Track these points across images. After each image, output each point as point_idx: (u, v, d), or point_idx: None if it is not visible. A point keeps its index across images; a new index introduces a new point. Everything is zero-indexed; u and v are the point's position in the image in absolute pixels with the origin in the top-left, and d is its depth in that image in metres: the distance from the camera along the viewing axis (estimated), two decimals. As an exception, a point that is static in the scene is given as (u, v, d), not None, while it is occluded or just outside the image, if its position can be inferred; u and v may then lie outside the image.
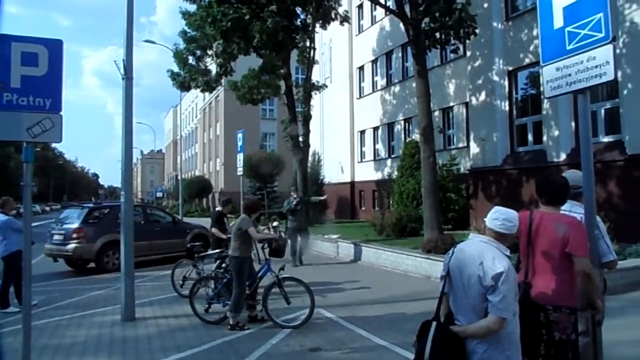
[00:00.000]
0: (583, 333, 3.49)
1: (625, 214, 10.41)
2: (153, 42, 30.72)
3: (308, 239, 12.24)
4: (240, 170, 13.53)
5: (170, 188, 66.11)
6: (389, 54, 21.83)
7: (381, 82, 22.44)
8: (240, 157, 13.59)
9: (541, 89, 12.81)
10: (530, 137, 13.70)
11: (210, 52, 19.97)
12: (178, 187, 35.74)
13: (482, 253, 2.79)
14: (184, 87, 21.60)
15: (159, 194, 61.83)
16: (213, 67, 20.78)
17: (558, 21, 3.72)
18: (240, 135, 13.68)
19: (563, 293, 3.26)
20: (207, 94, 31.98)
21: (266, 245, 6.90)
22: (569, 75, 3.61)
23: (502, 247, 2.83)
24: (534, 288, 3.34)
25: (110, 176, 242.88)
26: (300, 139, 19.19)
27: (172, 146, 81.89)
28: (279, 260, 7.27)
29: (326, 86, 22.55)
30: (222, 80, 21.20)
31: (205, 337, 6.04)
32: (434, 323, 2.88)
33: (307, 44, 20.05)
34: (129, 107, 7.16)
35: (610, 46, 3.32)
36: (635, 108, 10.52)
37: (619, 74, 10.82)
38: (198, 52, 20.62)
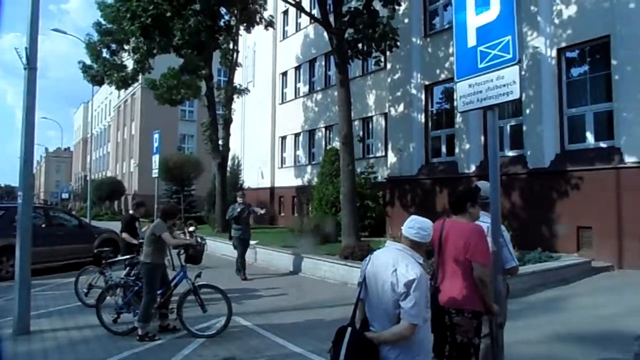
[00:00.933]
0: (487, 335, 3.71)
1: (526, 223, 11.25)
2: (63, 32, 28.71)
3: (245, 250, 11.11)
4: (155, 173, 12.97)
5: (78, 189, 62.06)
6: (312, 62, 22.07)
7: (304, 89, 22.62)
8: (155, 158, 13.03)
9: (455, 103, 13.66)
10: (443, 149, 14.42)
11: (127, 47, 19.03)
12: (87, 188, 33.57)
13: (396, 260, 2.86)
14: (97, 81, 20.42)
15: (65, 195, 57.79)
16: (130, 63, 19.80)
17: (471, 40, 3.93)
18: (156, 136, 13.13)
19: (466, 297, 3.43)
20: (122, 91, 30.39)
21: (182, 252, 6.63)
22: (480, 92, 3.81)
23: (416, 254, 2.91)
24: (441, 292, 3.50)
25: (8, 174, 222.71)
26: (220, 142, 18.82)
27: (81, 144, 76.89)
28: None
29: (248, 90, 22.34)
30: (139, 78, 20.27)
31: (112, 350, 5.66)
32: (349, 329, 2.90)
33: (231, 46, 19.75)
34: (31, 99, 6.59)
35: (517, 67, 3.56)
36: (535, 127, 11.43)
37: (523, 95, 11.70)
38: (113, 46, 19.59)
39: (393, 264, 2.84)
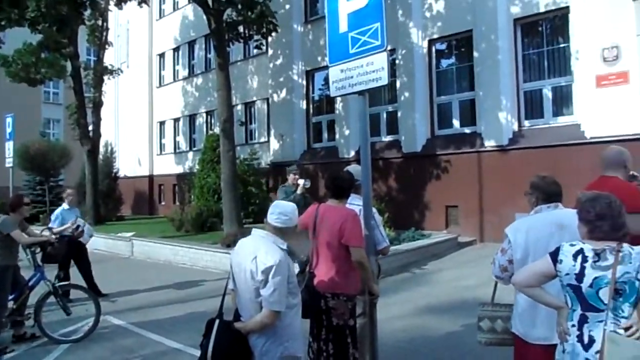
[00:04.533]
0: (361, 314, 3.81)
1: (401, 205, 11.94)
2: None
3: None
4: (9, 162, 11.49)
5: None
6: (191, 44, 21.10)
7: (183, 72, 21.59)
8: (9, 145, 11.55)
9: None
10: (325, 135, 14.72)
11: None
12: None
13: (257, 247, 2.80)
14: None
15: None
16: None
17: (343, 26, 3.95)
18: (9, 120, 11.62)
19: (340, 281, 3.49)
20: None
21: (39, 250, 5.92)
22: (352, 77, 3.85)
23: (279, 240, 2.85)
24: (316, 277, 3.51)
25: None
26: (91, 127, 17.29)
27: None
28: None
29: (121, 71, 20.73)
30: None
31: (-49, 367, 4.92)
32: (217, 320, 2.86)
33: (100, 22, 18.11)
34: None
35: (385, 53, 3.64)
36: (409, 113, 12.11)
37: (398, 82, 12.33)
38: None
39: (253, 252, 2.79)
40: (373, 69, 3.68)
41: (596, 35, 9.26)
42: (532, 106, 10.70)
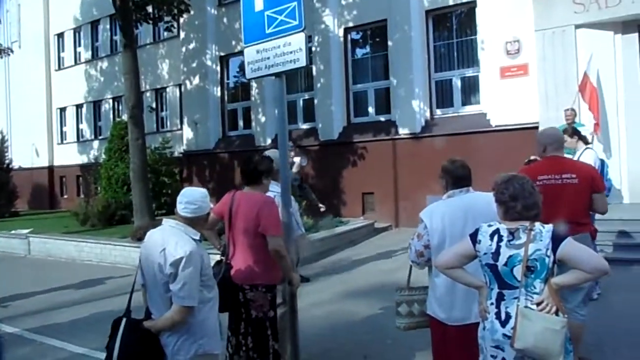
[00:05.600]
0: (281, 304, 3.69)
1: (319, 192, 11.88)
2: None
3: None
4: None
5: None
6: (94, 24, 19.58)
7: (86, 54, 20.01)
8: None
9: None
10: (240, 122, 14.36)
11: None
12: None
13: (166, 239, 2.59)
14: None
15: None
16: None
17: (259, 4, 3.76)
18: None
19: (258, 272, 3.33)
20: None
21: None
22: (268, 58, 3.68)
23: (190, 231, 2.65)
24: (233, 268, 3.33)
25: None
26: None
27: None
28: None
29: (11, 51, 18.73)
30: None
31: None
32: (124, 319, 2.62)
33: (-16, -4, 16.22)
34: None
35: (303, 34, 3.50)
36: (325, 101, 12.11)
37: (314, 69, 12.28)
38: None
39: (162, 243, 2.58)
40: (290, 49, 3.54)
41: (500, 29, 9.78)
42: (442, 95, 11.13)
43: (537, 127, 9.21)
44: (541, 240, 2.24)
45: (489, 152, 9.23)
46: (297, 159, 6.92)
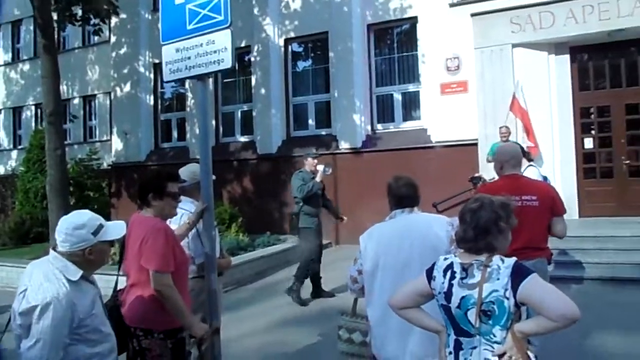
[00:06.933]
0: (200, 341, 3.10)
1: (256, 208, 11.42)
2: None
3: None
4: None
5: None
6: (16, 24, 18.18)
7: (5, 56, 18.51)
8: None
9: (186, 85, 12.94)
10: (175, 134, 13.60)
11: None
12: None
13: (34, 277, 2.03)
14: None
15: None
16: None
17: (180, -5, 3.28)
18: None
19: (153, 314, 2.67)
20: None
21: None
22: (189, 58, 3.20)
23: (70, 269, 2.07)
24: (125, 308, 2.73)
25: None
26: None
27: None
28: None
29: None
30: None
31: None
32: None
33: None
34: None
35: (229, 31, 3.05)
36: (264, 113, 11.65)
37: (253, 80, 11.81)
38: None
39: (27, 282, 2.04)
40: (214, 48, 3.07)
41: (441, 45, 9.78)
42: (383, 110, 10.99)
43: (476, 144, 9.26)
44: (498, 279, 1.85)
45: (429, 168, 9.12)
46: (320, 167, 6.54)
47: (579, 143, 9.05)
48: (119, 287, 2.95)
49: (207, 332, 2.77)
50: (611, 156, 8.95)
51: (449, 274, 1.95)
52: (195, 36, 3.15)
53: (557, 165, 8.92)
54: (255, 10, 11.68)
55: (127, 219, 2.81)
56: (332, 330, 3.02)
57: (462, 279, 1.91)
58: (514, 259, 1.91)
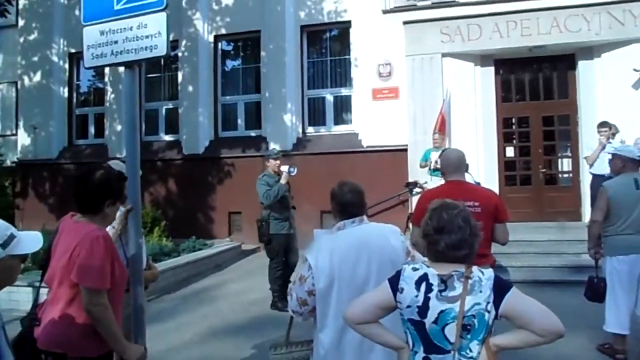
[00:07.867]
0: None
1: (181, 211, 10.85)
2: None
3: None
4: None
5: None
6: None
7: None
8: None
9: (106, 78, 12.08)
10: (92, 130, 12.63)
11: None
12: None
13: None
14: None
15: None
16: None
17: (106, -30, 2.90)
18: None
19: (70, 336, 2.28)
20: None
21: None
22: (116, 42, 2.83)
23: None
24: (40, 326, 2.32)
25: None
26: None
27: None
28: None
29: None
30: None
31: None
32: None
33: None
34: None
35: (164, 14, 2.74)
36: (191, 112, 11.11)
37: (180, 77, 11.25)
38: None
39: None
40: (147, 33, 2.74)
41: (373, 51, 9.84)
42: (315, 113, 10.88)
43: (406, 150, 9.40)
44: (480, 292, 1.75)
45: (360, 173, 9.07)
46: (284, 168, 6.09)
47: (502, 151, 9.48)
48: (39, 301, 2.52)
49: (143, 356, 2.42)
50: (529, 165, 9.45)
51: (423, 286, 1.79)
52: (124, 18, 2.80)
53: (481, 172, 9.24)
54: (184, 3, 11.14)
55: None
56: (265, 341, 2.75)
57: (440, 291, 1.77)
58: (491, 270, 1.84)
